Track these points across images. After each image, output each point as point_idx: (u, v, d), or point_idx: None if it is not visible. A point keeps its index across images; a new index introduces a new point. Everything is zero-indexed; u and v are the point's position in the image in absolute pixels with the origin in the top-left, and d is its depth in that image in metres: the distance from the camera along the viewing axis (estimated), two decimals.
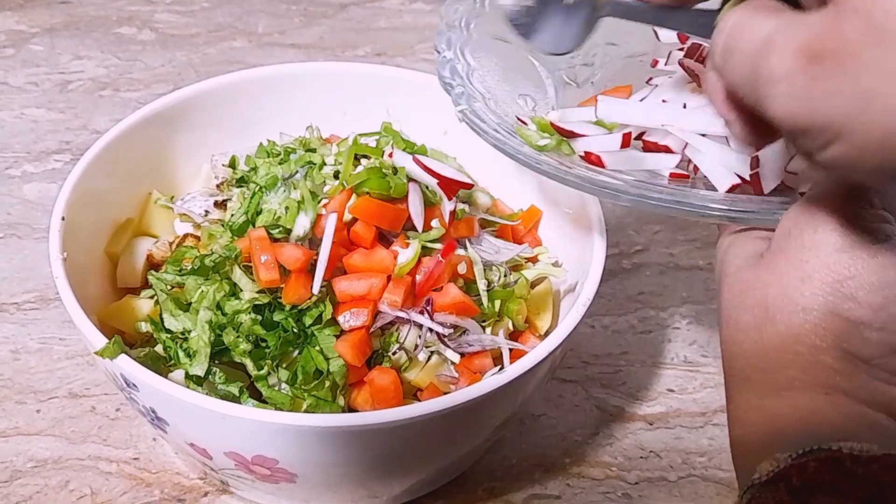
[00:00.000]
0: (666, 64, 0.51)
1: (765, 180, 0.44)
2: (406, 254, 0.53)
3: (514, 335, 0.57)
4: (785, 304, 0.38)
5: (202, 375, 0.51)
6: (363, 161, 0.58)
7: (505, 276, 0.57)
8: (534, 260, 0.60)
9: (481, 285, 0.55)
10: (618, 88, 0.53)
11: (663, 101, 0.49)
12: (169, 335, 0.53)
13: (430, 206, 0.55)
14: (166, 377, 0.49)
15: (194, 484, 0.59)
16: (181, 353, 0.52)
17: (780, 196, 0.44)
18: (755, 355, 0.39)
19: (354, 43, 0.97)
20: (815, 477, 0.33)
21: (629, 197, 0.44)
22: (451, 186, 0.55)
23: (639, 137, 0.48)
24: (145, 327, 0.54)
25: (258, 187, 0.58)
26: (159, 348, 0.54)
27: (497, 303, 0.56)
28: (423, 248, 0.54)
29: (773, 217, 0.41)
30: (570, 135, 0.47)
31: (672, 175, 0.46)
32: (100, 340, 0.49)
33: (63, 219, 0.56)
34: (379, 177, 0.54)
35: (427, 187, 0.56)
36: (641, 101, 0.51)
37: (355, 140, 0.59)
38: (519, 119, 0.49)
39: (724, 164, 0.45)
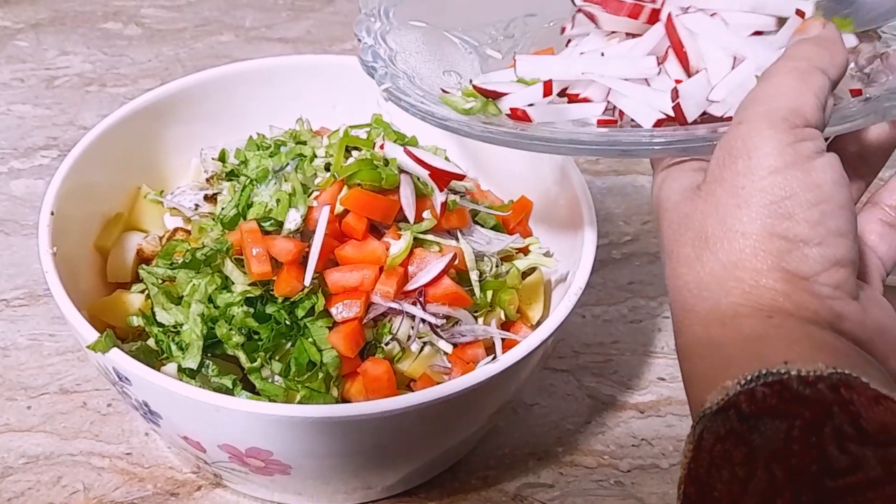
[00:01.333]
0: (572, 27, 0.51)
1: (687, 111, 0.44)
2: (398, 245, 0.53)
3: (506, 325, 0.57)
4: (723, 231, 0.38)
5: (195, 368, 0.51)
6: (354, 153, 0.58)
7: (497, 266, 0.57)
8: (525, 250, 0.61)
9: (473, 276, 0.55)
10: (539, 52, 0.53)
11: (581, 53, 0.49)
12: (161, 329, 0.53)
13: (421, 197, 0.55)
14: (159, 371, 0.49)
15: (187, 478, 0.59)
16: (174, 347, 0.52)
17: (711, 124, 0.44)
18: (697, 286, 0.39)
19: (342, 37, 0.97)
20: (764, 402, 0.34)
21: (560, 145, 0.44)
22: (442, 177, 0.55)
23: (562, 94, 0.48)
24: (137, 321, 0.54)
25: (249, 180, 0.57)
26: (151, 342, 0.54)
27: (489, 293, 0.56)
28: (416, 239, 0.54)
29: (706, 145, 0.41)
30: (494, 95, 0.47)
31: (599, 122, 0.46)
32: (91, 335, 0.49)
33: (52, 213, 0.55)
34: (370, 168, 0.54)
35: (418, 178, 0.56)
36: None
37: (346, 132, 0.59)
38: (444, 91, 0.50)
39: (646, 102, 0.45)
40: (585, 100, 0.47)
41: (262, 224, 0.54)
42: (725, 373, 0.36)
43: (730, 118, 0.43)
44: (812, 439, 0.32)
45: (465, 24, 0.54)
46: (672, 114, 0.44)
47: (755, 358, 0.36)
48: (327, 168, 0.58)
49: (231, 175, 0.61)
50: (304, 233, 0.54)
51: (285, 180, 0.56)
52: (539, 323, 0.58)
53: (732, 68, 0.44)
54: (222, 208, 0.58)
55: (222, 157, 0.64)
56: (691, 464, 0.34)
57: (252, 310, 0.52)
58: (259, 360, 0.51)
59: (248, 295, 0.52)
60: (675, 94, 0.44)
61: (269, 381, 0.51)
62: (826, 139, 0.40)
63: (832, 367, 0.34)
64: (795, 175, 0.38)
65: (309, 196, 0.55)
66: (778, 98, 0.39)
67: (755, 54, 0.44)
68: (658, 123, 0.45)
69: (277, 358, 0.52)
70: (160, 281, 0.55)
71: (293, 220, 0.54)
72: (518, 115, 0.46)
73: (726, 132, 0.40)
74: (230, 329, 0.51)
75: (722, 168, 0.39)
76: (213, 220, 0.58)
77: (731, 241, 0.38)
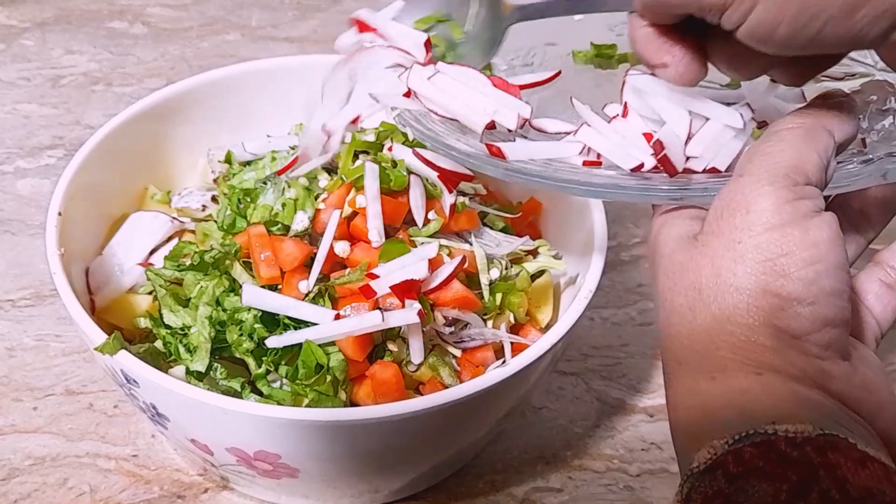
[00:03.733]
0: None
1: (674, 161, 0.44)
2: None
3: (514, 328, 0.57)
4: (717, 284, 0.38)
5: (203, 371, 0.50)
6: (362, 156, 0.58)
7: (506, 268, 0.56)
8: (534, 253, 0.60)
9: (484, 279, 0.55)
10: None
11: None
12: (168, 331, 0.53)
13: (430, 199, 0.55)
14: (166, 373, 0.49)
15: (194, 480, 0.58)
16: (181, 349, 0.51)
17: (713, 175, 0.45)
18: (688, 337, 0.39)
19: None
20: (751, 463, 0.34)
21: (567, 186, 0.45)
22: (451, 179, 0.55)
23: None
24: (145, 323, 0.54)
25: (238, 190, 0.57)
26: (159, 344, 0.53)
27: (498, 296, 0.55)
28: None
29: (710, 195, 0.41)
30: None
31: (585, 163, 0.47)
32: (99, 336, 0.49)
33: (60, 214, 0.55)
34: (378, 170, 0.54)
35: (427, 180, 0.55)
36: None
37: (354, 137, 0.58)
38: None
39: (622, 147, 0.46)
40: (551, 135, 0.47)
41: (270, 228, 0.54)
42: (712, 428, 0.36)
43: (713, 170, 0.44)
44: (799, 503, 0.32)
45: None
46: (645, 161, 0.45)
47: (742, 415, 0.36)
48: (328, 171, 0.58)
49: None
50: (313, 236, 0.54)
51: (289, 186, 0.56)
52: (548, 326, 0.58)
53: (690, 122, 0.45)
54: (219, 212, 0.57)
55: (228, 160, 0.63)
56: None
57: (260, 313, 0.52)
58: (264, 365, 0.51)
59: None
60: (658, 145, 0.44)
61: (277, 386, 0.51)
62: (826, 198, 0.40)
63: (819, 428, 0.34)
64: (792, 233, 0.37)
65: (316, 199, 0.55)
66: (781, 154, 0.39)
67: (712, 110, 0.45)
68: (638, 168, 0.45)
69: (284, 362, 0.51)
70: (168, 283, 0.54)
71: (300, 221, 0.54)
72: (493, 152, 0.46)
73: (727, 184, 0.40)
74: (241, 335, 0.51)
75: (719, 220, 0.39)
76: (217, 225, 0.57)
77: (724, 295, 0.38)
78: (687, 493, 0.34)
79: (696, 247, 0.40)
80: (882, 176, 0.42)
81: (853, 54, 0.49)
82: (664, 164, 0.44)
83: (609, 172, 0.46)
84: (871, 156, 0.43)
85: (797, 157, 0.39)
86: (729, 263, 0.38)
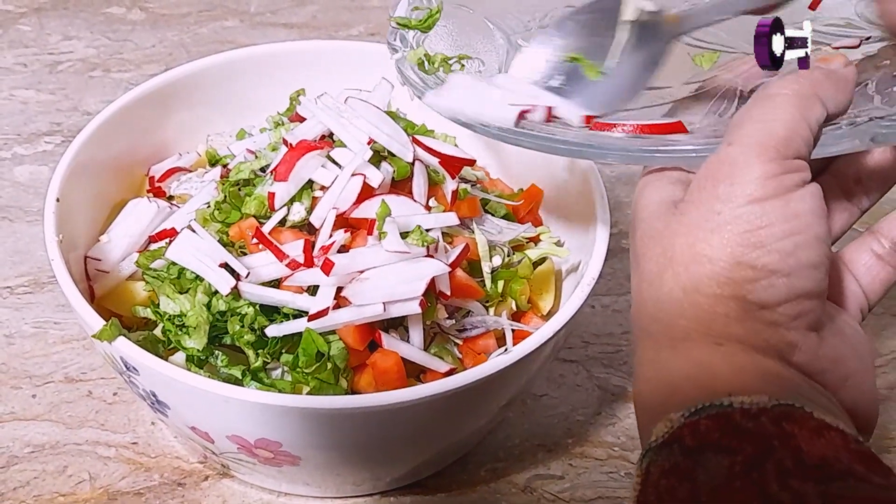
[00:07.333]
0: None
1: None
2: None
3: (516, 315, 0.56)
4: (691, 254, 0.38)
5: (201, 350, 0.50)
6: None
7: (508, 256, 0.56)
8: (536, 240, 0.60)
9: (486, 267, 0.54)
10: None
11: None
12: (168, 318, 0.52)
13: (433, 185, 0.55)
14: (166, 360, 0.49)
15: (194, 468, 0.58)
16: (180, 332, 0.51)
17: (700, 138, 0.44)
18: (654, 305, 0.39)
19: (348, 22, 0.95)
20: (707, 436, 0.33)
21: (577, 149, 0.45)
22: (453, 164, 0.54)
23: None
24: (143, 312, 0.53)
25: (234, 182, 0.57)
26: (158, 331, 0.53)
27: (500, 283, 0.55)
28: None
29: (669, 156, 0.41)
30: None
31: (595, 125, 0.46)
32: (97, 323, 0.49)
33: (58, 200, 0.55)
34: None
35: (428, 167, 0.55)
36: None
37: None
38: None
39: None
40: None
41: (263, 222, 0.53)
42: (671, 401, 0.36)
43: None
44: (753, 475, 0.32)
45: (504, 11, 0.54)
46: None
47: (700, 388, 0.35)
48: None
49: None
50: (312, 225, 0.54)
51: None
52: (550, 313, 0.58)
53: None
54: (215, 201, 0.56)
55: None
56: (640, 497, 0.34)
57: (259, 304, 0.51)
58: (261, 357, 0.50)
59: None
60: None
61: (278, 375, 0.51)
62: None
63: (775, 398, 0.34)
64: (774, 205, 0.37)
65: (311, 190, 0.54)
66: (772, 123, 0.38)
67: None
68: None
69: (285, 350, 0.51)
70: (165, 272, 0.54)
71: (297, 212, 0.53)
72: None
73: (715, 151, 0.39)
74: (242, 326, 0.50)
75: (701, 190, 0.38)
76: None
77: (696, 265, 0.38)
78: (646, 467, 0.34)
79: (674, 214, 0.39)
80: (870, 140, 0.40)
81: (872, 18, 0.48)
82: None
83: (616, 135, 0.45)
84: (857, 118, 0.41)
85: (788, 129, 0.37)
86: (705, 234, 0.37)
